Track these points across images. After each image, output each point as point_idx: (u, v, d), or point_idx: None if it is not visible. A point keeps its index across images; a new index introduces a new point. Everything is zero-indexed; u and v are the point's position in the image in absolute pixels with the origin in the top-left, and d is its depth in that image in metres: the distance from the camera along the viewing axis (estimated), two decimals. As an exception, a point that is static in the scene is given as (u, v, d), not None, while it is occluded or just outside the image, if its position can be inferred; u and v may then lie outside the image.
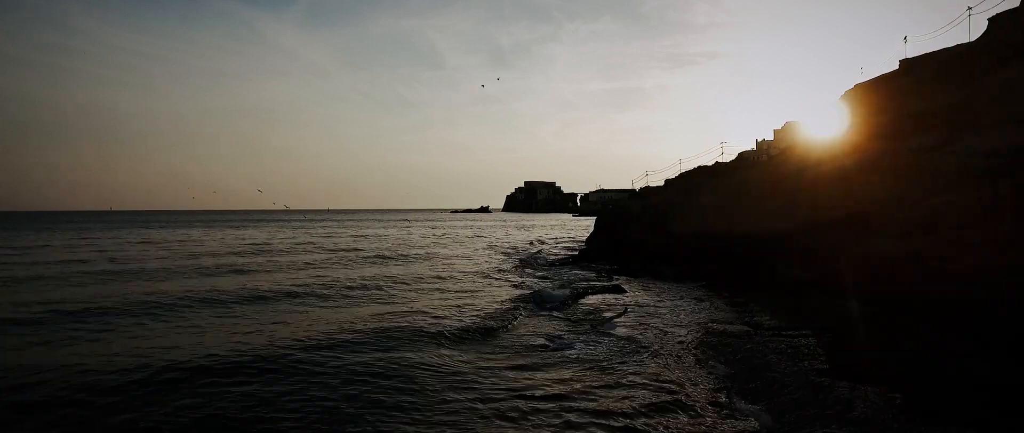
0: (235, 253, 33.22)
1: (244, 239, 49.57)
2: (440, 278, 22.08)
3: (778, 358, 10.03)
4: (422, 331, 12.20)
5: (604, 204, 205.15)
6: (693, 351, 10.77)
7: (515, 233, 64.45)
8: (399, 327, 12.54)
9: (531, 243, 46.63)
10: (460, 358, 10.44)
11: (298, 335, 11.91)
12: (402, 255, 31.97)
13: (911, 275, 14.39)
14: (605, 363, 10.03)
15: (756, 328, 12.70)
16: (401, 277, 21.93)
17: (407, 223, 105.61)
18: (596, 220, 45.16)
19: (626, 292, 18.61)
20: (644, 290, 19.35)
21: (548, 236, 57.64)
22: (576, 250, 38.46)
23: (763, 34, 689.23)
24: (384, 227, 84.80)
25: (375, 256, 30.13)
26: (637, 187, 49.14)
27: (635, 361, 10.11)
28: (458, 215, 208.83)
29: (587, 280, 22.29)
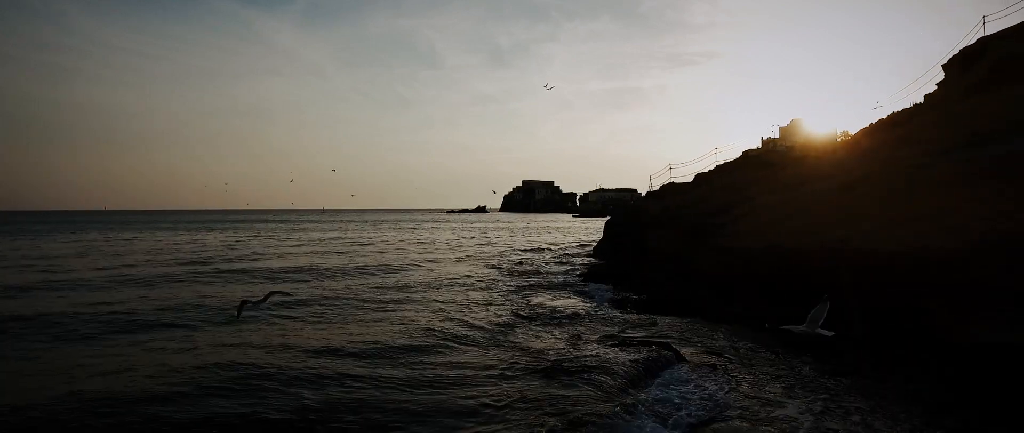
0: (127, 269, 25.21)
1: (193, 245, 41.72)
2: (381, 343, 13.75)
3: None
4: None
5: (605, 204, 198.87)
6: None
7: (511, 237, 56.52)
8: None
9: (529, 251, 38.77)
10: None
11: None
12: (348, 293, 24.16)
13: None
14: None
15: None
16: (321, 344, 13.22)
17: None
18: (606, 224, 37.38)
19: (686, 361, 10.73)
20: (712, 353, 11.47)
21: (548, 241, 49.77)
22: (583, 261, 30.58)
23: (762, 34, 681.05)
24: (375, 229, 76.87)
25: (315, 282, 22.06)
26: (655, 184, 41.39)
27: None
28: (454, 215, 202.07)
29: (613, 323, 14.43)
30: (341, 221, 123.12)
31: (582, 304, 17.32)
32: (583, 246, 43.27)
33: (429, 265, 26.24)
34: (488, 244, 46.14)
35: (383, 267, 24.82)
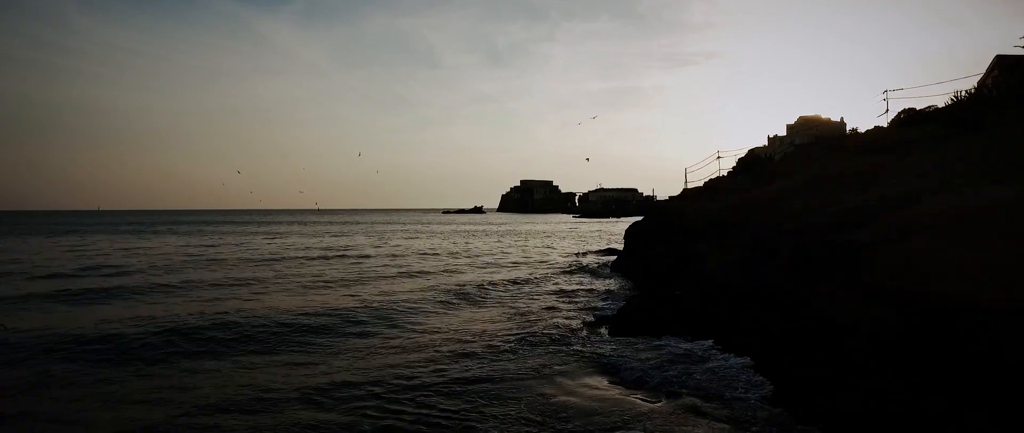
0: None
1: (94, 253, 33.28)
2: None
3: None
4: None
5: (606, 204, 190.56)
6: None
7: (507, 244, 47.97)
8: None
9: (528, 265, 30.25)
10: None
11: None
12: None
13: None
14: None
15: None
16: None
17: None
18: (628, 232, 28.96)
19: None
20: None
21: (550, 249, 41.23)
22: (603, 286, 22.07)
23: (761, 34, 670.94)
24: (354, 234, 68.35)
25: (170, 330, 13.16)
26: (690, 179, 32.89)
27: None
28: (450, 215, 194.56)
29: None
30: (329, 223, 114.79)
31: (629, 397, 8.75)
32: (595, 257, 34.80)
33: (375, 317, 15.43)
34: (477, 256, 37.58)
35: (297, 316, 15.67)
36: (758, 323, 11.72)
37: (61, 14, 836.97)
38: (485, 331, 13.66)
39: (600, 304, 17.74)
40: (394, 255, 35.55)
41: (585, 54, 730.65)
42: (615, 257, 33.71)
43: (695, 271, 19.07)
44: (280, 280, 22.86)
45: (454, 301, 17.91)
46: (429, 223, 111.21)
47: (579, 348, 11.82)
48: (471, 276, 24.78)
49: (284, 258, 33.18)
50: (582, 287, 21.72)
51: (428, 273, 25.71)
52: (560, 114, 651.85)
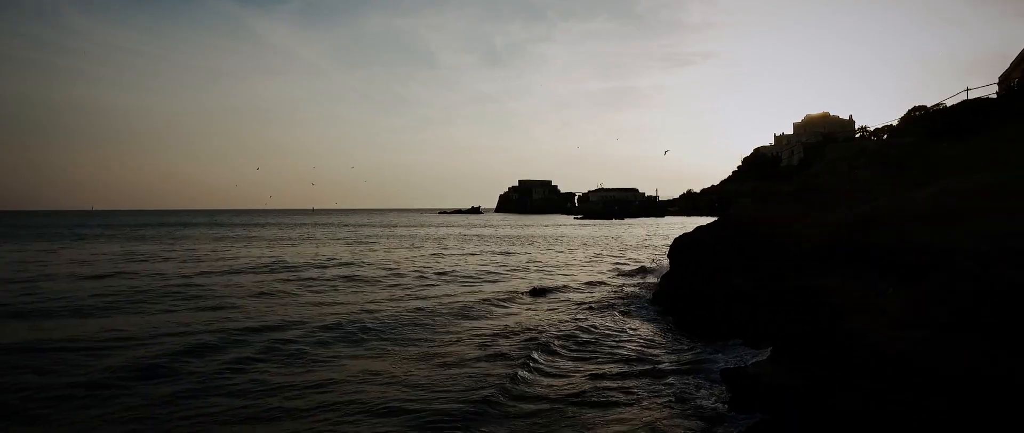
0: None
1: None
2: None
3: None
4: None
5: (606, 204, 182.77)
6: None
7: (505, 255, 39.87)
8: None
9: (532, 298, 22.16)
10: None
11: None
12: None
13: None
14: None
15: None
16: None
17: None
18: (675, 246, 20.80)
19: None
20: None
21: (561, 265, 33.13)
22: (662, 332, 13.97)
23: (760, 34, 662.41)
24: (325, 239, 60.28)
25: None
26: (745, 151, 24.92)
27: None
28: (445, 216, 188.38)
29: None
30: (315, 224, 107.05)
31: None
32: (626, 279, 26.70)
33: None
34: (474, 278, 29.48)
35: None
36: None
37: (61, 14, 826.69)
38: None
39: (671, 400, 9.60)
40: (360, 280, 26.92)
41: (584, 54, 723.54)
42: (652, 278, 25.61)
43: (823, 326, 10.93)
44: (123, 344, 13.15)
45: (437, 419, 9.46)
46: (421, 226, 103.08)
47: None
48: (463, 326, 16.15)
49: (195, 283, 24.41)
50: (633, 354, 13.49)
51: (398, 325, 16.67)
52: (559, 114, 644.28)
